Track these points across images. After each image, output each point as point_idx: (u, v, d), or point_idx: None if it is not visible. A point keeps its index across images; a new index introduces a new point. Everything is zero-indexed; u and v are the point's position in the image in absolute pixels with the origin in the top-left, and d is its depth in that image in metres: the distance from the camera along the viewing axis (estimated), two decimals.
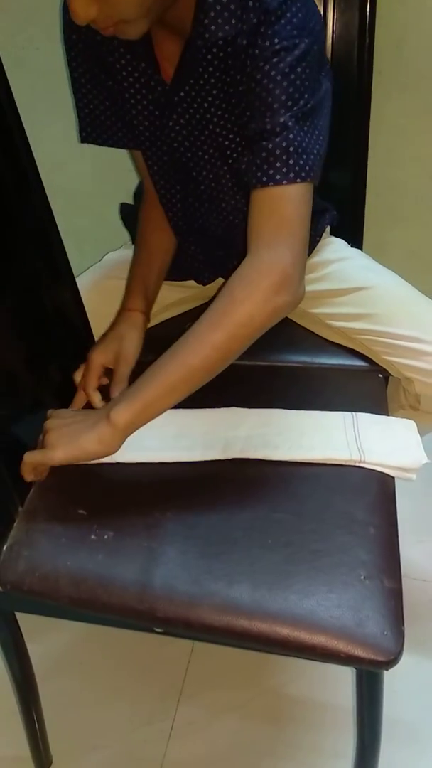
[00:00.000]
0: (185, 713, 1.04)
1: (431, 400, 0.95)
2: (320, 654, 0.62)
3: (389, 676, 0.65)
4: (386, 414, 0.87)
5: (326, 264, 1.05)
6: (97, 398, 0.89)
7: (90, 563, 0.69)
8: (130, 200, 1.16)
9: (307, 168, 0.74)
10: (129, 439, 0.77)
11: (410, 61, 1.10)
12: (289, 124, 0.74)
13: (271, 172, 0.74)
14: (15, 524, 0.75)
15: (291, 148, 0.74)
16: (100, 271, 1.11)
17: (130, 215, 1.13)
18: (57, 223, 0.84)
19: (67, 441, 0.76)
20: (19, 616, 0.81)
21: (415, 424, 0.84)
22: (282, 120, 0.74)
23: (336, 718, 1.02)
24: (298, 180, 0.74)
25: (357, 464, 0.78)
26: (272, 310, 0.74)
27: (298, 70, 0.73)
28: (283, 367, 1.00)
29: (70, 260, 0.90)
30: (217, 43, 0.76)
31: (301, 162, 0.74)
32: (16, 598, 0.72)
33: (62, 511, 0.75)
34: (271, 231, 0.75)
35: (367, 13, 0.98)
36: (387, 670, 0.62)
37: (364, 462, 0.78)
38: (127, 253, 1.09)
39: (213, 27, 0.75)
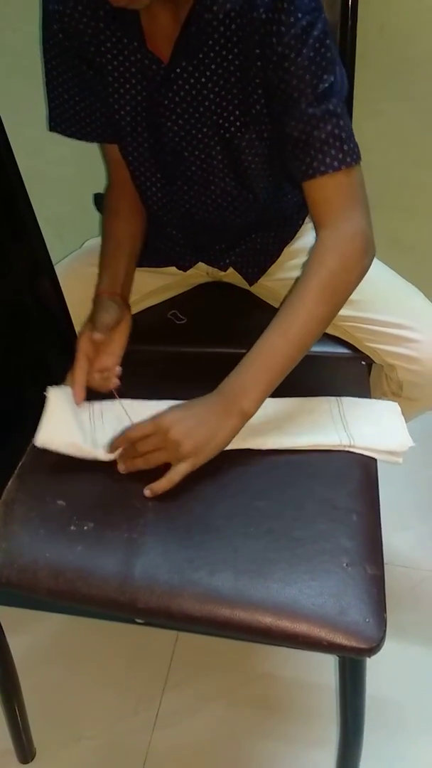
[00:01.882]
0: (170, 702, 1.04)
1: (413, 386, 0.95)
2: (302, 642, 0.61)
3: (374, 663, 0.65)
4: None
5: (309, 250, 1.04)
6: (96, 378, 0.85)
7: (69, 554, 0.68)
8: None
9: (357, 150, 0.80)
10: (119, 428, 0.78)
11: (393, 45, 1.08)
12: (338, 110, 0.77)
13: (327, 160, 0.78)
14: None
15: (343, 134, 0.78)
16: (81, 258, 1.10)
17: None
18: (37, 210, 0.83)
19: (205, 442, 0.73)
20: None
21: (398, 406, 0.83)
22: (331, 107, 0.77)
23: (322, 703, 1.03)
24: (354, 164, 0.79)
25: (347, 449, 0.78)
26: (363, 271, 0.82)
27: (328, 42, 0.75)
28: None
29: (51, 248, 0.88)
30: (224, 15, 0.75)
31: (352, 145, 0.79)
32: None
33: (41, 503, 0.74)
34: (343, 207, 0.81)
35: None
36: (369, 657, 0.61)
37: (354, 447, 0.78)
38: None
39: None
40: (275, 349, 0.78)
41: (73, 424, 0.81)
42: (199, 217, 0.97)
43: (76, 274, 1.03)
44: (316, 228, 0.83)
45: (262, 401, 0.77)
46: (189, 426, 0.74)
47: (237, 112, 0.83)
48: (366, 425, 0.80)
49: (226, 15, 0.76)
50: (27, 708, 0.95)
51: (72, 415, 0.82)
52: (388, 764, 0.96)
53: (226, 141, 0.86)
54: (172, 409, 0.77)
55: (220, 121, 0.85)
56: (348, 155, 0.79)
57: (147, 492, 0.73)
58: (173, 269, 1.09)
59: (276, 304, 1.06)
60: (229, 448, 0.78)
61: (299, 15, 0.73)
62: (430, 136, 1.17)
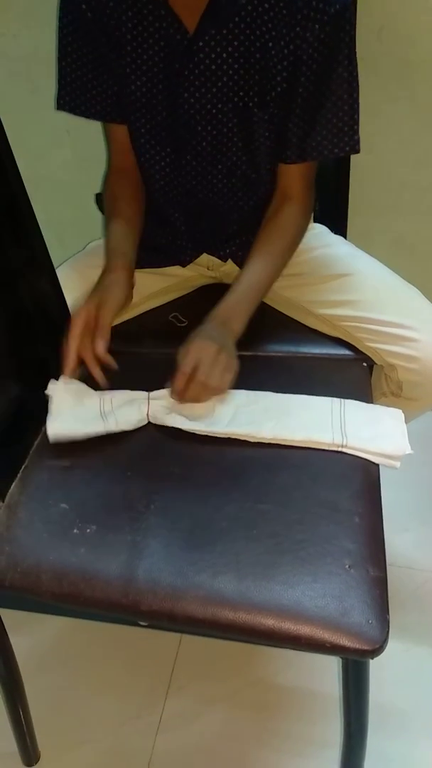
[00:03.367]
0: (174, 706, 1.04)
1: (413, 385, 0.95)
2: (305, 644, 0.61)
3: (378, 665, 0.65)
4: (371, 402, 0.87)
5: (310, 250, 1.04)
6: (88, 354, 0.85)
7: (72, 558, 0.68)
8: None
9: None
10: (119, 410, 0.81)
11: (391, 47, 1.09)
12: (358, 98, 0.86)
13: (341, 144, 0.89)
14: None
15: (357, 124, 0.89)
16: (82, 260, 1.10)
17: None
18: (38, 213, 0.83)
19: (227, 367, 0.83)
20: (2, 610, 0.80)
21: (402, 414, 0.83)
22: (355, 95, 0.86)
23: (325, 706, 1.02)
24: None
25: (339, 449, 0.78)
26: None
27: (353, 32, 0.82)
28: (268, 357, 0.99)
29: (52, 251, 0.89)
30: None
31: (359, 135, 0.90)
32: None
33: (44, 506, 0.74)
34: (311, 184, 0.97)
35: None
36: (372, 658, 0.61)
37: (346, 446, 0.78)
38: None
39: None
40: (255, 282, 0.92)
41: (81, 409, 0.83)
42: (203, 195, 0.98)
43: (78, 276, 1.03)
44: (287, 193, 0.96)
45: (245, 323, 0.89)
46: (215, 342, 0.84)
47: (256, 88, 0.85)
48: (364, 428, 0.80)
49: None
50: (31, 711, 0.95)
51: (78, 401, 0.84)
52: (392, 767, 0.95)
53: (243, 117, 0.88)
54: (195, 341, 0.84)
55: (237, 98, 0.87)
56: (357, 143, 0.90)
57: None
58: (174, 270, 1.09)
59: (276, 306, 1.06)
60: (225, 431, 0.80)
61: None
62: (429, 137, 1.17)
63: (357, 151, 0.90)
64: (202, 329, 0.86)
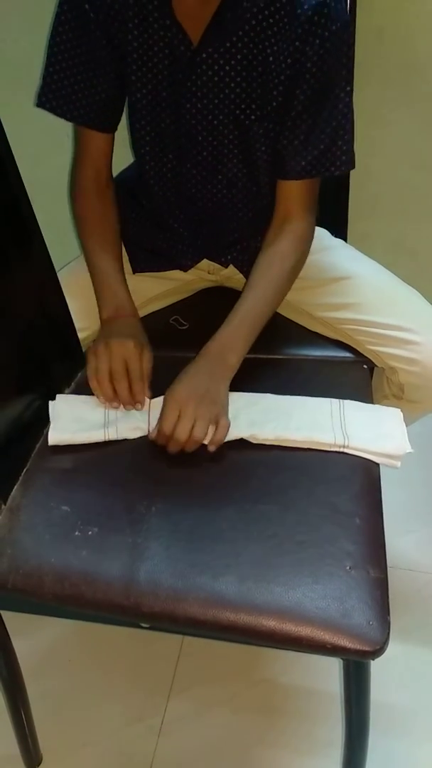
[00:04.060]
0: (175, 708, 1.04)
1: (415, 388, 0.95)
2: (306, 645, 0.62)
3: (380, 667, 0.65)
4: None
5: (310, 254, 1.04)
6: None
7: (74, 560, 0.69)
8: None
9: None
10: (121, 420, 0.82)
11: (391, 50, 1.09)
12: (353, 116, 0.87)
13: (338, 163, 0.89)
14: None
15: (351, 142, 0.89)
16: (84, 263, 1.10)
17: None
18: (39, 217, 0.83)
19: (216, 409, 0.80)
20: (5, 612, 0.80)
21: (401, 413, 0.84)
22: (350, 114, 0.87)
23: (327, 707, 1.02)
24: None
25: (341, 449, 0.78)
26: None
27: (351, 52, 0.85)
28: (268, 359, 0.99)
29: (53, 254, 0.89)
30: (264, 5, 0.79)
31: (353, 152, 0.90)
32: None
33: (45, 508, 0.75)
34: (313, 202, 0.95)
35: (348, 2, 0.97)
36: (373, 659, 0.62)
37: (347, 447, 0.78)
38: None
39: None
40: (253, 310, 0.90)
41: (84, 417, 0.84)
42: (204, 203, 0.99)
43: (79, 280, 1.04)
44: (287, 216, 0.94)
45: (243, 355, 0.87)
46: (198, 395, 0.81)
47: (258, 102, 0.86)
48: (364, 428, 0.81)
49: (266, 6, 0.79)
50: (33, 713, 0.95)
51: (81, 408, 0.86)
52: None
53: (242, 129, 0.89)
54: (176, 386, 0.82)
55: (239, 111, 0.87)
56: (352, 161, 0.90)
57: (211, 448, 0.79)
58: (175, 274, 1.09)
59: (276, 309, 1.06)
60: (228, 438, 0.80)
61: (339, 17, 0.79)
62: (429, 141, 1.17)
63: (352, 167, 0.91)
64: (192, 367, 0.85)
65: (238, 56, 0.83)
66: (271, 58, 0.82)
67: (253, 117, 0.87)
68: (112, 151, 0.98)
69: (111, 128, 0.95)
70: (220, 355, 0.86)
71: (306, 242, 0.96)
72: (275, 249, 0.93)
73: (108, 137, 0.96)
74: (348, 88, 0.85)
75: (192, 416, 0.78)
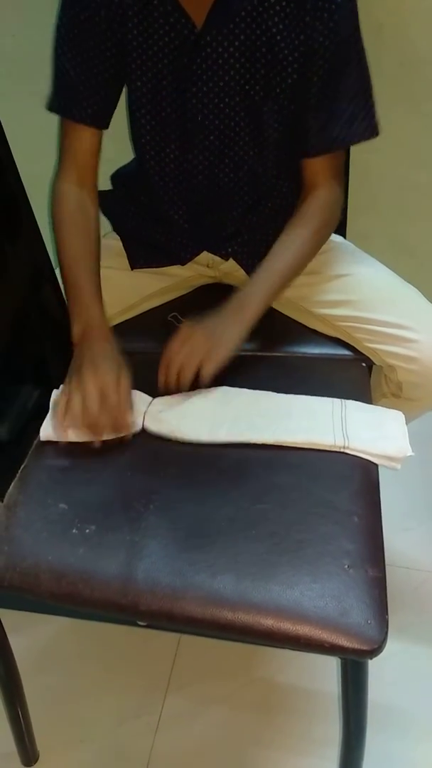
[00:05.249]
0: (173, 705, 1.04)
1: (413, 386, 0.95)
2: (304, 644, 0.62)
3: (377, 665, 0.65)
4: (370, 402, 0.87)
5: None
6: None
7: (71, 558, 0.68)
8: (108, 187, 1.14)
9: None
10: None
11: (391, 47, 1.08)
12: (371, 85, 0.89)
13: (373, 124, 0.90)
14: None
15: (374, 108, 0.90)
16: None
17: (108, 202, 1.11)
18: (36, 214, 0.83)
19: (220, 343, 0.85)
20: (2, 609, 0.80)
21: (403, 416, 0.83)
22: (368, 81, 0.88)
23: (325, 705, 1.02)
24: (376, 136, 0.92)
25: (341, 450, 0.78)
26: (335, 227, 1.00)
27: (357, 22, 0.84)
28: (267, 357, 0.99)
29: (51, 252, 0.89)
30: None
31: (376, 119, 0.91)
32: None
33: (43, 506, 0.74)
34: (338, 170, 0.98)
35: None
36: (371, 658, 0.61)
37: (348, 448, 0.78)
38: (109, 243, 1.07)
39: None
40: (275, 271, 0.91)
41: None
42: (207, 191, 0.98)
43: None
44: (312, 187, 0.95)
45: (261, 313, 0.89)
46: (207, 332, 0.85)
47: (262, 82, 0.86)
48: (365, 429, 0.80)
49: None
50: (30, 710, 0.95)
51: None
52: (392, 767, 0.95)
53: (251, 110, 0.89)
54: (191, 323, 0.87)
55: (244, 92, 0.87)
56: (376, 128, 0.91)
57: (201, 381, 0.84)
58: (173, 269, 1.09)
59: (275, 306, 1.06)
60: (225, 440, 0.79)
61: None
62: (429, 138, 1.17)
63: (377, 134, 0.91)
64: (208, 317, 0.88)
65: (242, 37, 0.83)
66: (278, 37, 0.82)
67: (262, 93, 0.87)
68: (98, 152, 0.95)
69: (105, 123, 0.94)
70: (239, 308, 0.88)
71: (330, 208, 0.96)
72: (299, 213, 0.95)
73: (98, 134, 0.93)
74: (362, 56, 0.86)
75: (192, 346, 0.84)
